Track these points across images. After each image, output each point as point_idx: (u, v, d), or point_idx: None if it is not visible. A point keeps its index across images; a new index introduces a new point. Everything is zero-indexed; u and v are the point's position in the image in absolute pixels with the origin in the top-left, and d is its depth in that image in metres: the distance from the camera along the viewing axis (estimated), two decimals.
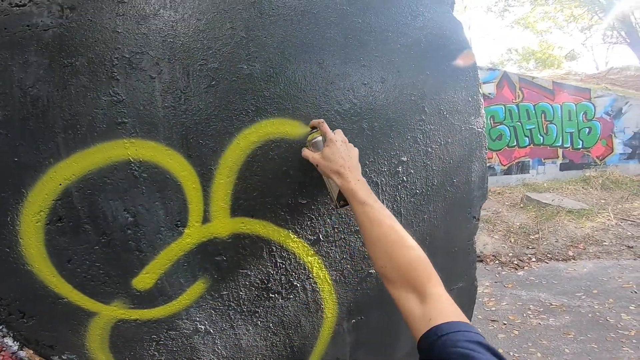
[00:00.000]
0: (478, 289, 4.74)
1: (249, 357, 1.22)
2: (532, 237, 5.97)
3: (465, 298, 1.64)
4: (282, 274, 1.18)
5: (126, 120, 0.95)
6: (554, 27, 19.08)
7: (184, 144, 0.99)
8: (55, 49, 0.89)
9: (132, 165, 0.97)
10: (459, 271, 1.57)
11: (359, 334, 1.38)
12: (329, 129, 0.95)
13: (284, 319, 1.23)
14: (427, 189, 1.32)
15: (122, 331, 1.05)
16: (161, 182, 0.99)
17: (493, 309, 4.14)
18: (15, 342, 1.00)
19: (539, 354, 3.29)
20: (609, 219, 6.36)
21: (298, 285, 1.21)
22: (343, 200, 0.93)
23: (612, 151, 8.86)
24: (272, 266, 1.15)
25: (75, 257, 0.97)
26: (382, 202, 1.24)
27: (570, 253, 5.46)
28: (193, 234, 1.05)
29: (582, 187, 8.02)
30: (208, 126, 1.01)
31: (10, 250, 0.93)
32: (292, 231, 1.13)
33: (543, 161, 8.84)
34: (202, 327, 1.13)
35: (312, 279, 1.22)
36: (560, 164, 8.87)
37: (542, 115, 8.59)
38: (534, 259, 5.39)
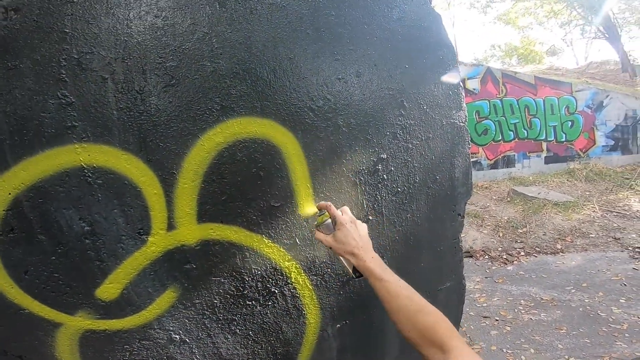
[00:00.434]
0: (469, 285, 4.72)
1: None
2: (520, 231, 6.00)
3: (454, 297, 1.59)
4: (258, 281, 1.11)
5: (76, 124, 0.88)
6: (535, 22, 19.39)
7: (142, 148, 0.92)
8: None
9: (85, 171, 0.90)
10: (446, 270, 1.52)
11: (345, 339, 1.33)
12: (337, 211, 0.97)
13: (264, 326, 1.17)
14: (408, 187, 1.27)
15: (92, 341, 1.00)
16: (118, 189, 0.92)
17: (485, 305, 4.12)
18: None
19: (532, 350, 3.27)
20: (594, 211, 6.44)
21: (276, 291, 1.15)
22: (358, 272, 0.96)
23: (595, 143, 9.00)
24: (246, 273, 1.09)
25: (32, 268, 0.92)
26: (362, 201, 1.19)
27: (559, 246, 5.49)
28: (158, 242, 0.98)
29: (567, 180, 8.11)
30: (168, 128, 0.94)
31: None
32: (266, 236, 1.07)
33: (528, 155, 8.92)
34: (177, 336, 1.08)
35: (291, 284, 1.16)
36: (545, 157, 8.96)
37: (526, 109, 8.68)
38: (522, 253, 5.41)
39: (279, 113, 1.02)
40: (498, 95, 8.60)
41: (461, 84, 1.40)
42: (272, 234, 1.07)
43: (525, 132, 8.77)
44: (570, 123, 8.84)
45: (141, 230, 0.96)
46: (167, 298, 1.03)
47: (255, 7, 1.00)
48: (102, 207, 0.93)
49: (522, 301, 4.08)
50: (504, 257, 5.35)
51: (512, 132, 8.74)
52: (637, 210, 6.38)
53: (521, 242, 5.71)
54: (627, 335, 3.31)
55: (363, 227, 0.98)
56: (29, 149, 0.86)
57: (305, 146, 1.06)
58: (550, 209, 6.46)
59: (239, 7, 0.99)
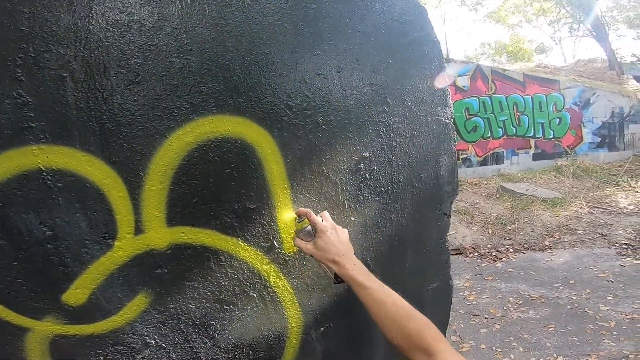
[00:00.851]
0: (459, 282, 4.70)
1: None
2: (509, 228, 6.03)
3: (442, 297, 1.56)
4: (235, 285, 1.06)
5: (33, 125, 0.82)
6: (524, 20, 19.54)
7: (104, 149, 0.87)
8: None
9: (44, 174, 0.84)
10: (432, 271, 1.49)
11: (330, 342, 1.29)
12: (316, 218, 0.96)
13: (244, 330, 1.13)
14: (392, 186, 1.23)
15: (63, 346, 0.96)
16: (80, 192, 0.87)
17: (474, 302, 4.13)
18: None
19: (521, 349, 3.27)
20: (581, 207, 6.51)
21: (255, 295, 1.10)
22: (340, 278, 0.94)
23: (582, 140, 9.11)
24: (222, 277, 1.04)
25: None
26: (344, 202, 1.15)
27: (547, 243, 5.54)
28: (125, 247, 0.93)
29: (555, 176, 8.19)
30: (133, 127, 0.89)
31: None
32: (242, 239, 1.02)
33: (516, 151, 9.01)
34: (152, 341, 1.03)
35: (270, 288, 1.12)
36: (533, 153, 9.06)
37: (514, 106, 8.74)
38: (511, 250, 5.44)
39: (253, 111, 0.97)
40: (487, 93, 8.65)
41: (447, 79, 1.36)
42: (248, 237, 1.03)
43: (514, 129, 8.84)
44: (557, 120, 8.93)
45: (106, 235, 0.91)
46: (138, 303, 0.99)
47: (229, 1, 0.95)
48: (64, 211, 0.87)
49: (511, 299, 4.10)
50: (493, 254, 5.37)
51: (500, 129, 8.81)
52: (624, 207, 6.47)
53: (510, 239, 5.74)
54: (614, 333, 3.33)
55: (344, 233, 0.96)
56: None
57: (282, 145, 1.01)
58: (539, 206, 6.52)
59: (212, 1, 0.93)
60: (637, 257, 4.81)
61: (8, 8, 0.79)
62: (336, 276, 0.94)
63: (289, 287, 1.14)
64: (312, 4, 1.05)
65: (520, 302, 4.02)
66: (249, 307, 1.11)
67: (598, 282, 4.27)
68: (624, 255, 4.91)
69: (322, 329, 1.26)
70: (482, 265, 5.10)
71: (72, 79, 0.83)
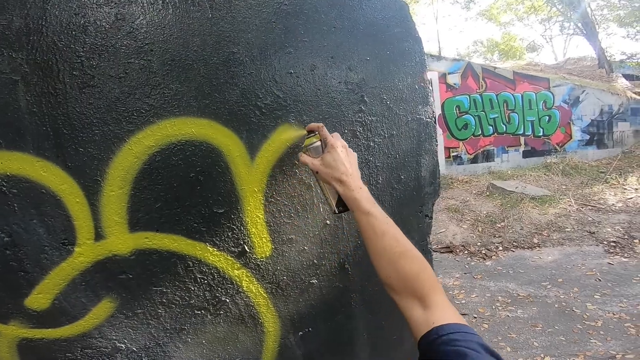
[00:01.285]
0: (449, 281, 4.72)
1: None
2: (499, 226, 6.06)
3: None
4: (206, 290, 1.03)
5: None
6: (516, 19, 19.67)
7: (59, 154, 0.83)
8: None
9: None
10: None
11: (310, 346, 1.26)
12: (328, 133, 0.90)
13: (218, 335, 1.10)
14: (370, 188, 1.20)
15: (32, 349, 0.94)
16: (36, 198, 0.83)
17: (463, 301, 4.13)
18: None
19: (508, 349, 3.27)
20: (570, 205, 6.56)
21: (227, 300, 1.07)
22: (342, 205, 0.89)
23: (571, 138, 9.19)
24: (191, 282, 1.01)
25: None
26: (318, 205, 1.11)
27: (535, 240, 5.57)
28: (86, 252, 0.89)
29: (544, 174, 8.25)
30: (89, 132, 0.85)
31: None
32: (210, 244, 0.98)
33: (506, 149, 9.06)
34: (123, 345, 1.01)
35: (243, 293, 1.08)
36: (523, 151, 9.12)
37: (505, 104, 8.78)
38: (501, 248, 5.47)
39: (219, 112, 0.94)
40: (478, 90, 8.68)
41: (428, 77, 1.33)
42: (217, 242, 0.99)
43: (504, 126, 8.89)
44: (547, 118, 8.99)
45: (65, 241, 0.87)
46: (104, 308, 0.96)
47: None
48: (20, 217, 0.83)
49: (499, 297, 4.11)
50: (483, 252, 5.39)
51: (491, 127, 8.85)
52: (612, 204, 6.54)
53: (499, 236, 5.77)
54: (601, 332, 3.35)
55: (354, 157, 0.90)
56: None
57: (251, 147, 0.98)
58: (528, 203, 6.56)
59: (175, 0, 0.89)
60: (625, 255, 4.86)
61: None
62: (338, 204, 0.89)
63: (262, 292, 1.11)
64: (286, 0, 1.02)
65: (509, 301, 4.04)
66: (221, 312, 1.08)
67: (586, 281, 4.30)
68: (612, 253, 4.96)
69: (301, 333, 1.24)
70: (472, 263, 5.12)
71: (24, 82, 0.80)
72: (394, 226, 0.81)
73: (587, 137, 9.20)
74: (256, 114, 0.98)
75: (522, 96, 8.79)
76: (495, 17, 19.94)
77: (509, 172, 8.60)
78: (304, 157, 0.92)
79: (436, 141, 1.38)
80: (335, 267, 1.22)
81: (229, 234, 1.00)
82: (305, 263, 1.15)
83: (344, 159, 0.86)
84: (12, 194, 0.81)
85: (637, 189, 6.97)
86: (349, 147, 1.13)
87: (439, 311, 0.69)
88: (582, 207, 6.48)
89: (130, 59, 0.86)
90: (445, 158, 8.84)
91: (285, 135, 1.02)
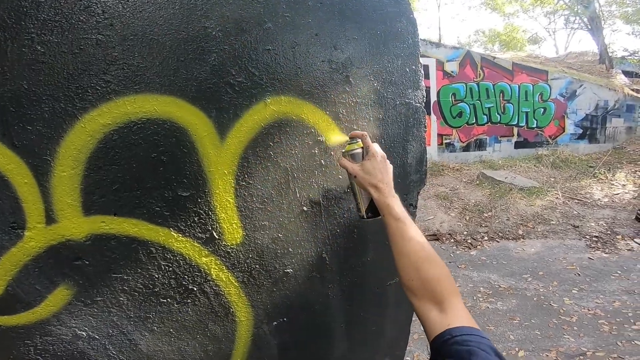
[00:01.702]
0: None
1: None
2: (486, 215, 6.09)
3: (403, 295, 1.51)
4: (171, 278, 0.97)
5: None
6: (521, 10, 19.35)
7: (5, 132, 0.75)
8: None
9: None
10: (394, 266, 1.42)
11: (285, 336, 1.22)
12: (370, 142, 0.96)
13: (186, 324, 1.05)
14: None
15: None
16: None
17: None
18: None
19: None
20: (557, 197, 6.61)
21: (195, 289, 1.01)
22: (372, 212, 0.95)
23: (564, 131, 9.19)
24: (155, 270, 0.94)
25: None
26: (295, 190, 1.05)
27: (520, 232, 5.62)
28: (37, 237, 0.82)
29: (534, 165, 8.29)
30: (38, 109, 0.77)
31: None
32: (175, 229, 0.92)
33: (499, 139, 9.06)
34: (84, 333, 0.95)
35: (212, 281, 1.03)
36: (515, 142, 9.12)
37: (501, 94, 8.72)
38: (486, 238, 5.50)
39: (186, 90, 0.86)
40: (475, 79, 8.59)
41: (420, 61, 1.25)
42: (183, 228, 0.92)
43: (499, 116, 8.86)
44: (542, 110, 8.97)
45: (14, 224, 0.80)
46: (60, 295, 0.90)
47: None
48: None
49: (481, 288, 4.15)
50: (469, 241, 5.43)
51: (485, 116, 8.81)
52: (598, 199, 6.60)
53: (486, 226, 5.81)
54: (575, 328, 3.40)
55: (390, 168, 0.97)
56: None
57: (221, 127, 0.90)
58: (516, 194, 6.59)
59: None
60: (606, 250, 4.93)
61: None
62: (368, 209, 0.95)
63: (233, 281, 1.05)
64: None
65: (490, 292, 4.08)
66: (189, 301, 1.02)
67: (565, 275, 4.36)
68: (593, 248, 5.02)
69: (276, 323, 1.19)
70: (457, 252, 5.15)
71: None
72: (420, 234, 0.86)
73: (580, 131, 9.22)
74: (228, 91, 0.90)
75: (519, 87, 8.72)
76: (500, 7, 19.54)
77: (500, 162, 8.61)
78: (344, 162, 0.97)
79: (425, 127, 1.31)
80: (312, 257, 1.16)
81: (196, 219, 0.93)
82: (279, 251, 1.09)
83: (382, 168, 0.92)
84: None
85: (624, 185, 7.04)
86: (329, 132, 1.06)
87: (455, 315, 0.73)
88: (569, 201, 6.54)
89: (86, 34, 0.77)
90: (438, 145, 8.82)
91: (260, 115, 0.94)
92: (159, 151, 0.85)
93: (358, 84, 1.09)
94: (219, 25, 0.88)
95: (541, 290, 4.07)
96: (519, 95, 8.76)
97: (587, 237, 5.33)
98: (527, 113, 8.92)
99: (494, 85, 8.64)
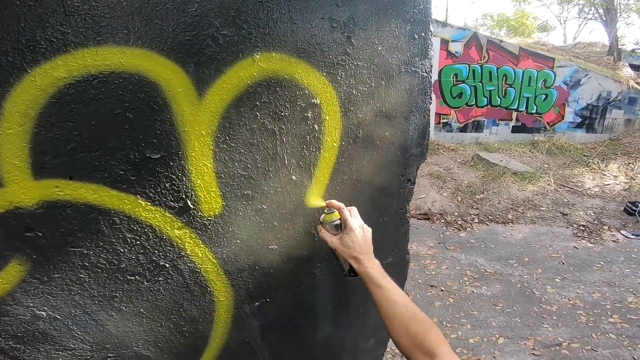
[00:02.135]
0: (422, 249, 4.68)
1: (127, 341, 0.97)
2: (477, 197, 6.07)
3: (395, 274, 1.44)
4: (139, 253, 0.87)
5: None
6: None
7: None
8: None
9: None
10: (388, 245, 1.34)
11: (268, 317, 1.16)
12: (348, 214, 0.97)
13: (159, 303, 0.96)
14: (347, 143, 1.03)
15: None
16: None
17: (433, 272, 4.16)
18: None
19: (468, 326, 3.31)
20: (549, 184, 6.60)
21: (167, 265, 0.92)
22: (354, 272, 0.98)
23: (563, 119, 9.11)
24: (120, 243, 0.84)
25: None
26: (283, 156, 0.94)
27: (510, 216, 5.62)
28: None
29: (529, 150, 8.24)
30: None
31: None
32: (143, 197, 0.81)
33: (497, 122, 8.98)
34: (43, 313, 0.86)
35: (187, 257, 0.93)
36: (513, 126, 9.05)
37: (504, 78, 8.56)
38: (476, 220, 5.50)
39: (160, 42, 0.73)
40: (479, 61, 8.40)
41: (432, 29, 1.13)
42: (152, 195, 0.81)
43: (499, 99, 8.73)
44: (544, 96, 8.85)
45: None
46: (12, 272, 0.80)
47: None
48: None
49: (468, 272, 4.16)
50: (459, 222, 5.42)
51: (486, 99, 8.69)
52: (589, 188, 6.61)
53: (477, 208, 5.79)
54: (554, 318, 3.42)
55: (368, 232, 1.00)
56: None
57: (199, 83, 0.78)
58: (509, 178, 6.56)
59: None
60: (592, 240, 4.96)
61: None
62: (350, 270, 0.98)
63: (211, 257, 0.96)
64: None
65: (476, 276, 4.09)
66: (160, 279, 0.93)
67: (550, 263, 4.38)
68: (579, 237, 5.04)
69: (258, 304, 1.12)
70: (447, 233, 5.14)
71: None
72: (403, 295, 0.91)
73: (579, 119, 9.14)
74: (210, 45, 0.77)
75: (523, 72, 8.54)
76: None
77: (496, 144, 8.56)
78: (324, 234, 1.00)
79: (430, 99, 1.20)
80: (299, 232, 1.07)
81: (167, 186, 0.82)
82: (263, 225, 1.00)
83: (360, 240, 0.95)
84: None
85: (616, 176, 7.05)
86: (323, 93, 0.94)
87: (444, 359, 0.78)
88: (560, 188, 6.53)
89: None
90: (435, 124, 8.72)
91: (246, 71, 0.81)
92: (123, 107, 0.73)
93: (361, 45, 0.97)
94: None
95: (525, 277, 4.08)
96: (522, 80, 8.61)
97: (575, 225, 5.35)
98: (528, 98, 8.79)
99: (497, 68, 8.46)
